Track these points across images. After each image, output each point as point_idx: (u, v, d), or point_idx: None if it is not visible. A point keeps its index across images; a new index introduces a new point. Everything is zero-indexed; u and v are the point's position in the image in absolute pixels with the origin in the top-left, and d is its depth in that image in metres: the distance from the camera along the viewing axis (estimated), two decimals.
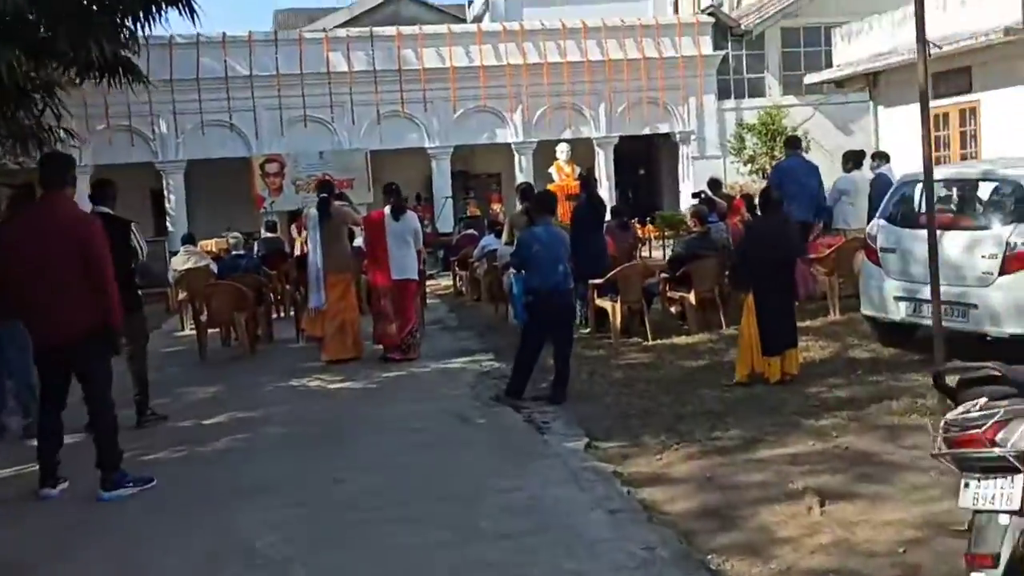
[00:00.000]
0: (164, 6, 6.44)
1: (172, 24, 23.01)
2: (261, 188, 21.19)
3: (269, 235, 14.61)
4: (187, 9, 6.44)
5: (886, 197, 8.37)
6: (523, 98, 22.28)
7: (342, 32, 22.22)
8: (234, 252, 10.76)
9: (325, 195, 9.18)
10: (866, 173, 10.91)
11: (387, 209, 9.08)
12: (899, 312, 7.68)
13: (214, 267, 12.99)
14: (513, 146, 22.62)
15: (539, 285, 7.22)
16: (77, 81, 17.53)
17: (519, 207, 10.29)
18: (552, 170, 20.00)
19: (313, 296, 9.17)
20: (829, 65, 19.66)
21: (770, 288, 7.18)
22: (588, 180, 11.35)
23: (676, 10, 25.81)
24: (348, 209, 9.44)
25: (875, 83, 17.13)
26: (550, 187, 20.45)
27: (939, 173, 7.47)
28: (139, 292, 7.21)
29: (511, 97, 22.24)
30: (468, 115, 22.30)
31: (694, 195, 12.43)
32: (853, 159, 10.91)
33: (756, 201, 9.06)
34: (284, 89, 21.22)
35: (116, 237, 6.23)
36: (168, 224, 21.37)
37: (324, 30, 21.35)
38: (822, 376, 7.29)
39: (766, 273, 7.17)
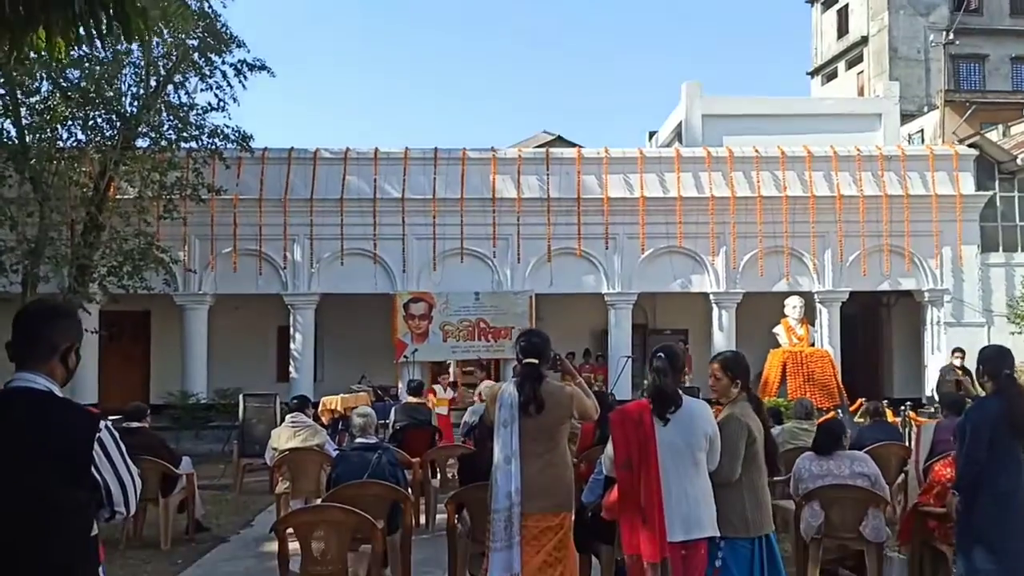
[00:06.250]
0: None
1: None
2: (403, 332, 17.46)
3: (412, 400, 10.43)
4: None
5: None
6: (727, 239, 18.00)
7: (512, 152, 18.72)
8: (359, 439, 6.56)
9: (534, 361, 4.85)
10: None
11: (646, 398, 4.64)
12: None
13: (330, 448, 8.89)
14: (712, 297, 18.20)
15: None
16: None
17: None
18: (779, 330, 15.41)
19: (497, 558, 4.71)
20: None
21: None
22: None
23: (923, 141, 21.31)
24: (576, 391, 4.95)
25: None
26: (775, 352, 15.77)
27: None
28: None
29: (712, 237, 18.01)
30: (657, 256, 18.16)
31: None
32: None
33: None
34: (440, 216, 17.74)
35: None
36: (292, 369, 17.86)
37: (492, 148, 17.97)
38: None
39: None
